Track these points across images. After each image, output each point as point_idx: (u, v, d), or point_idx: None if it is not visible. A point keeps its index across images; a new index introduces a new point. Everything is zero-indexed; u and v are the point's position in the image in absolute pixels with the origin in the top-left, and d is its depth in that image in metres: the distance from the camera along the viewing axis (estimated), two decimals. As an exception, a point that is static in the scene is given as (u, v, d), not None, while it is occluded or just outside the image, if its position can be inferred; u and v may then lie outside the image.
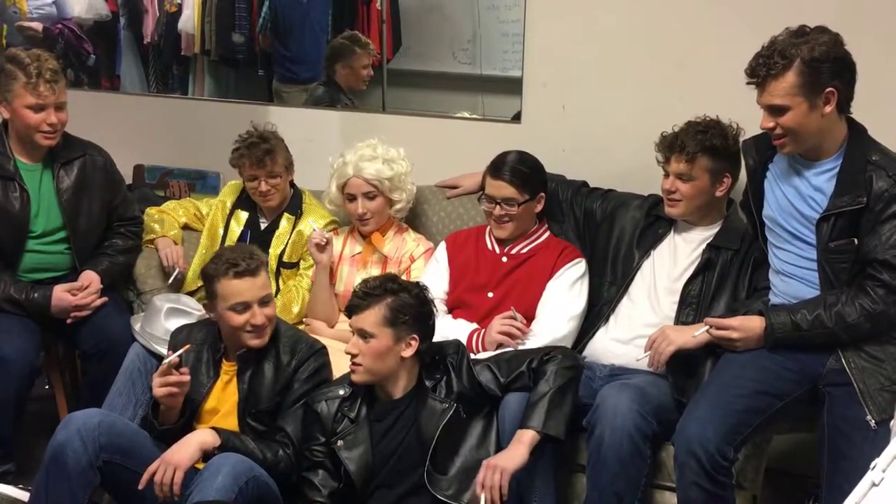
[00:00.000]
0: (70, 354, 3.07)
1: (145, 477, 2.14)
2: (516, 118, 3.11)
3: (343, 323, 2.80)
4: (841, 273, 2.23)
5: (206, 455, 2.20)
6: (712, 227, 2.55)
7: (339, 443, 2.23)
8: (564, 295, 2.61)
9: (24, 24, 3.77)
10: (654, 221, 2.63)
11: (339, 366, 2.43)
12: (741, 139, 2.48)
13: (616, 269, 2.63)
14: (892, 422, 2.10)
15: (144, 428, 2.35)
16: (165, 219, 3.06)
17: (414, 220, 3.04)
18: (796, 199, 2.28)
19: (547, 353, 2.30)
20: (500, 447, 2.26)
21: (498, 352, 2.46)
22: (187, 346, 2.35)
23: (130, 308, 2.97)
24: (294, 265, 2.96)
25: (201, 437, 2.21)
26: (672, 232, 2.60)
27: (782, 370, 2.25)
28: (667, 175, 2.52)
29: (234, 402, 2.36)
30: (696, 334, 2.34)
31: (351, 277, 2.86)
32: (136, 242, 3.00)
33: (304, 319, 2.87)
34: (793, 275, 2.31)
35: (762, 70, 2.16)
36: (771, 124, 2.20)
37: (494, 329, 2.54)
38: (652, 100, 2.85)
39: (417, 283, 2.36)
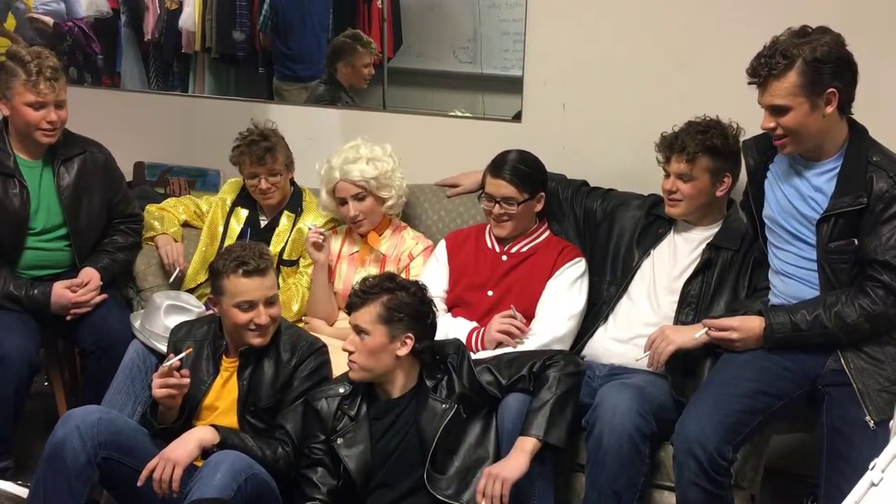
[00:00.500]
0: (69, 351, 3.07)
1: (144, 474, 2.14)
2: (517, 117, 3.11)
3: (342, 321, 2.81)
4: (841, 274, 2.23)
5: (206, 452, 2.20)
6: (712, 226, 2.55)
7: (339, 441, 2.23)
8: (564, 294, 2.61)
9: (35, 16, 3.77)
10: (653, 221, 2.63)
11: (339, 364, 2.43)
12: (741, 139, 2.48)
13: (616, 269, 2.63)
14: (891, 422, 2.09)
15: (143, 425, 2.35)
16: (165, 216, 3.06)
17: (414, 218, 3.04)
18: (797, 199, 2.28)
19: (549, 357, 2.29)
20: (498, 447, 2.26)
21: (499, 352, 2.46)
22: (189, 350, 2.34)
23: (130, 305, 2.97)
24: (294, 263, 2.96)
25: (200, 435, 2.21)
26: (672, 231, 2.60)
27: (782, 370, 2.25)
28: (667, 175, 2.52)
29: (234, 399, 2.36)
30: (696, 336, 2.34)
31: (349, 276, 2.86)
32: (136, 240, 3.00)
33: (303, 317, 2.87)
34: (792, 275, 2.31)
35: (764, 70, 2.16)
36: (772, 124, 2.20)
37: (494, 328, 2.54)
38: (652, 99, 2.85)
39: (416, 282, 2.36)
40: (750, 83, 2.20)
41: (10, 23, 3.87)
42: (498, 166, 2.66)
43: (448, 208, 3.03)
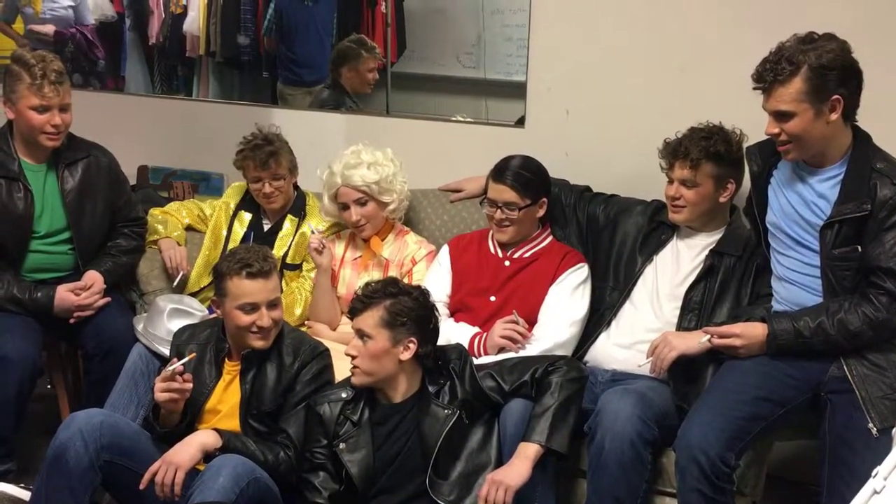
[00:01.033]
0: (72, 354, 3.07)
1: (146, 477, 2.14)
2: (520, 122, 3.12)
3: (345, 325, 2.81)
4: (844, 280, 2.23)
5: (208, 456, 2.20)
6: (715, 233, 2.55)
7: (341, 445, 2.23)
8: (566, 300, 2.61)
9: (34, 29, 3.80)
10: (656, 227, 2.63)
11: (341, 368, 2.43)
12: (745, 145, 2.48)
13: (618, 275, 2.63)
14: (893, 430, 2.08)
15: (146, 429, 2.35)
16: (169, 220, 3.07)
17: (417, 223, 3.04)
18: (800, 205, 2.28)
19: (552, 363, 2.29)
20: (500, 452, 2.26)
21: (501, 357, 2.46)
22: (192, 356, 2.35)
23: (133, 308, 2.98)
24: (297, 267, 2.96)
25: (203, 438, 2.21)
26: (675, 238, 2.60)
27: (784, 377, 2.24)
28: (671, 181, 2.52)
29: (236, 403, 2.36)
30: (701, 341, 2.33)
31: (353, 280, 2.86)
32: (139, 243, 3.01)
33: (306, 321, 2.88)
34: (795, 281, 2.31)
35: (769, 75, 2.16)
36: (776, 130, 2.20)
37: (496, 333, 2.54)
38: (655, 105, 2.85)
39: (419, 286, 2.36)
40: (755, 88, 2.21)
41: (19, 26, 3.90)
42: (500, 171, 2.66)
43: (451, 213, 3.03)
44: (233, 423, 2.35)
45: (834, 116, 2.16)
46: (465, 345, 2.51)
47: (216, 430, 2.26)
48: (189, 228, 3.11)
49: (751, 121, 2.35)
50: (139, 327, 2.74)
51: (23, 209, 2.77)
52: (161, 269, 3.01)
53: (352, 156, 2.85)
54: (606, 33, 2.93)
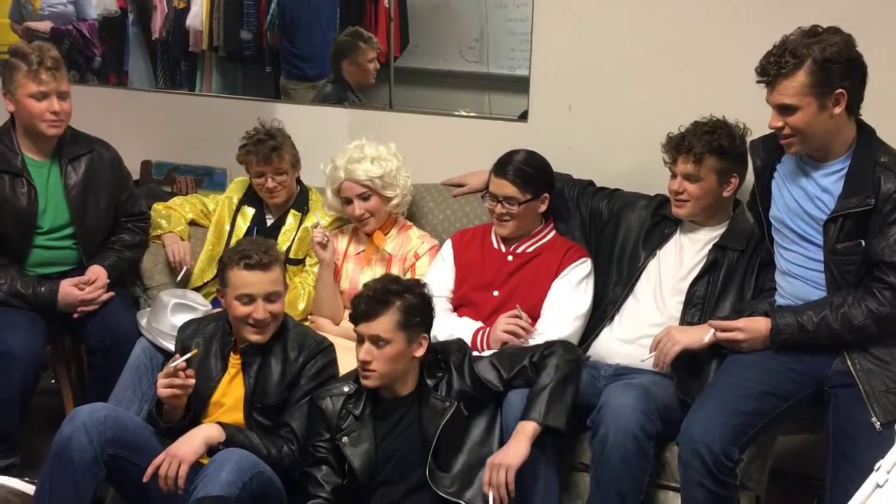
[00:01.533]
0: (76, 349, 3.08)
1: (150, 470, 2.15)
2: (523, 117, 3.11)
3: (348, 320, 2.81)
4: (847, 275, 2.22)
5: (211, 450, 2.20)
6: (719, 227, 2.54)
7: (344, 440, 2.23)
8: (570, 294, 2.60)
9: (31, 26, 3.80)
10: (660, 221, 2.63)
11: (345, 363, 2.44)
12: (749, 139, 2.48)
13: (621, 269, 2.63)
14: (897, 424, 2.09)
15: (150, 423, 2.36)
16: (172, 215, 3.07)
17: (420, 217, 3.04)
18: (804, 199, 2.27)
19: (547, 347, 2.30)
20: (503, 445, 2.26)
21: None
22: (195, 352, 2.35)
23: (137, 303, 2.98)
24: (300, 262, 2.96)
25: (206, 432, 2.22)
26: (678, 232, 2.59)
27: (787, 371, 2.24)
28: (674, 176, 2.51)
29: (240, 396, 2.36)
30: (706, 340, 2.33)
31: (355, 275, 2.86)
32: (142, 238, 3.01)
33: (309, 316, 2.88)
34: (799, 276, 2.31)
35: (773, 69, 2.15)
36: (779, 123, 2.20)
37: (499, 328, 2.54)
38: (658, 100, 2.85)
39: (417, 280, 2.36)
40: (758, 82, 2.20)
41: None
42: (502, 166, 2.66)
43: (454, 208, 3.03)
44: (237, 417, 2.35)
45: (838, 110, 2.16)
46: (469, 339, 2.51)
47: (220, 423, 2.26)
48: (192, 223, 3.11)
49: (754, 115, 2.35)
50: (143, 322, 2.75)
51: (26, 204, 2.78)
52: (165, 264, 3.02)
53: (356, 150, 2.85)
54: (609, 28, 2.93)
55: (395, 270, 2.79)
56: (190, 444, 2.18)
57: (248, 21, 3.54)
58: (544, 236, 2.72)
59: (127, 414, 2.39)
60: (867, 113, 2.24)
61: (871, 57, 2.17)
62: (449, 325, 2.57)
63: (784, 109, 2.17)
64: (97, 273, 2.82)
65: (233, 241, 2.94)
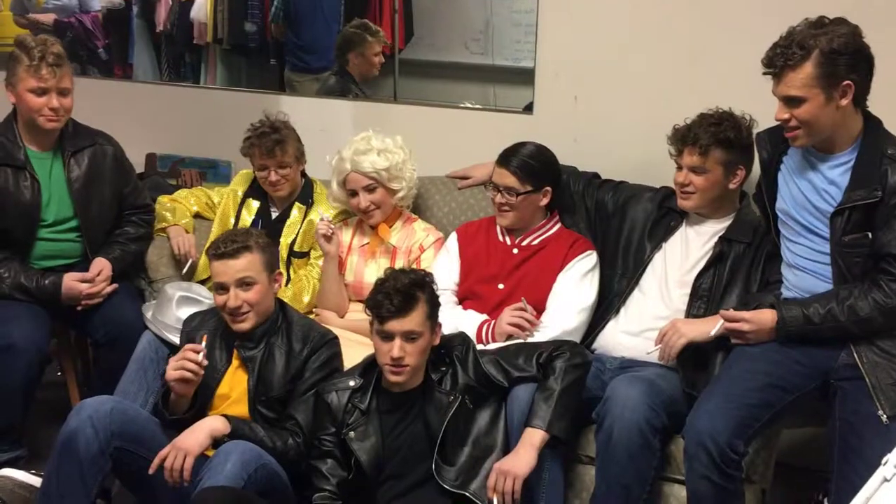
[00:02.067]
0: (82, 342, 3.09)
1: (156, 462, 2.15)
2: (528, 109, 3.10)
3: (353, 313, 2.81)
4: (854, 267, 2.21)
5: (217, 442, 2.21)
6: (725, 219, 2.53)
7: (351, 434, 2.23)
8: (575, 287, 2.60)
9: (34, 18, 3.80)
10: (665, 214, 2.62)
11: (350, 356, 2.44)
12: (755, 131, 2.46)
13: (627, 262, 2.63)
14: (903, 417, 2.09)
15: (155, 416, 2.36)
16: (177, 207, 3.07)
17: (424, 210, 3.04)
18: (810, 192, 2.26)
19: (556, 347, 2.30)
20: (507, 438, 2.27)
21: (505, 343, 2.46)
22: (205, 338, 2.36)
23: (142, 296, 2.98)
24: (305, 254, 2.96)
25: (212, 424, 2.22)
26: (684, 224, 2.59)
27: (794, 364, 2.24)
28: (680, 168, 2.50)
29: (245, 389, 2.37)
30: (714, 332, 2.32)
31: (360, 267, 2.86)
32: (147, 230, 3.01)
33: (314, 309, 2.88)
34: (805, 268, 2.30)
35: (780, 60, 2.14)
36: (786, 115, 2.18)
37: (504, 320, 2.53)
38: (664, 91, 2.84)
39: (423, 270, 2.37)
40: (765, 73, 2.19)
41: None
42: (506, 156, 2.66)
43: (459, 200, 3.03)
44: (242, 409, 2.36)
45: (844, 102, 2.14)
46: (474, 332, 2.51)
47: (225, 416, 2.27)
48: (197, 216, 3.11)
49: (761, 107, 2.33)
50: (148, 315, 2.75)
51: (30, 198, 2.78)
52: (170, 257, 3.02)
53: (362, 142, 2.84)
54: (614, 20, 2.92)
55: (400, 263, 2.79)
56: (195, 437, 2.18)
57: (253, 13, 3.53)
58: (549, 229, 2.71)
59: (133, 406, 2.39)
60: (874, 105, 2.23)
61: (877, 48, 2.16)
62: (454, 318, 2.57)
63: (791, 101, 2.16)
64: (101, 265, 2.82)
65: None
